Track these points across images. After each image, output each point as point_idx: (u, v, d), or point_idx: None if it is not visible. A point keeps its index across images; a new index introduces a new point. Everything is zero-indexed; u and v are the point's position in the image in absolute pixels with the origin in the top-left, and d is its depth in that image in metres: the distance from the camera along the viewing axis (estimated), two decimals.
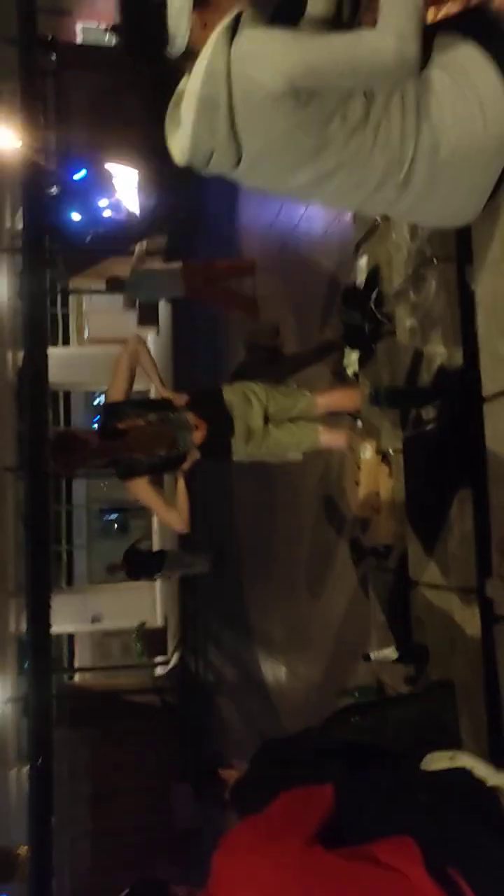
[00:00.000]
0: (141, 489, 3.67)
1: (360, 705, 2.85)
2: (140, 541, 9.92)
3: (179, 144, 1.81)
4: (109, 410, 3.70)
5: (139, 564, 9.14)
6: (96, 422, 3.84)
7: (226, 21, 1.73)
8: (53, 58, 12.60)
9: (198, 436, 3.71)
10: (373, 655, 3.09)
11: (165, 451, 3.64)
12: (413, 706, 2.66)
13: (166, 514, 3.72)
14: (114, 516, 22.22)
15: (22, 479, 11.39)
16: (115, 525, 21.97)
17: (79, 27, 19.73)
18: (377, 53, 1.68)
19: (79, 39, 19.41)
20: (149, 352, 3.78)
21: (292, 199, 1.99)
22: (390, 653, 3.02)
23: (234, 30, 1.73)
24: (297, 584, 5.89)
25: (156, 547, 18.05)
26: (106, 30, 13.50)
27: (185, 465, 3.73)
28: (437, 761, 1.78)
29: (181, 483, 3.76)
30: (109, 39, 19.91)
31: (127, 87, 11.95)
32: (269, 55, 1.69)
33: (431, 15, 1.92)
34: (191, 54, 1.77)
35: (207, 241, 10.98)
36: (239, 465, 4.14)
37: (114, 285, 8.19)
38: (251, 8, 1.76)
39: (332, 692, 4.56)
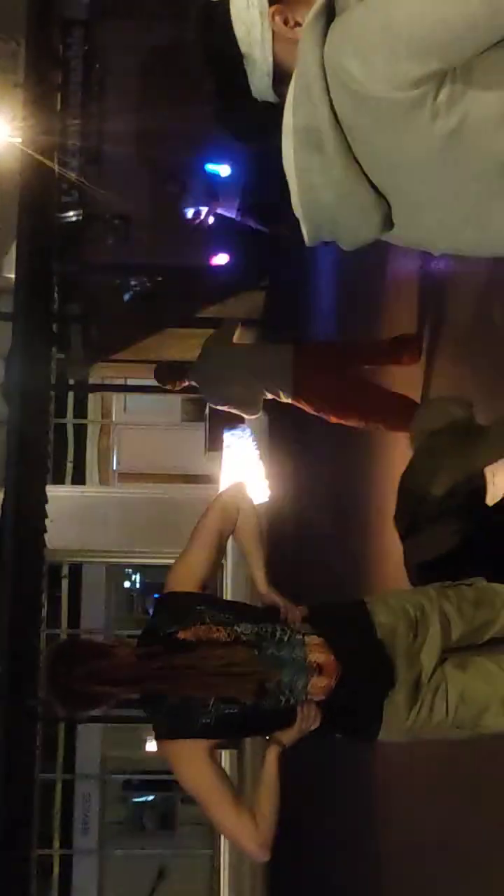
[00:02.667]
0: (189, 763, 3.59)
1: None
2: None
3: (296, 211, 2.04)
4: (170, 604, 3.75)
5: None
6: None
7: (318, 3, 1.92)
8: None
9: (321, 684, 3.64)
10: None
11: (252, 699, 3.57)
12: None
13: (232, 821, 3.57)
14: (149, 798, 21.86)
15: None
16: (150, 813, 21.63)
17: None
18: None
19: None
20: (256, 514, 3.91)
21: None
22: None
23: (329, 16, 1.91)
24: None
25: (224, 865, 17.57)
26: None
27: (289, 738, 3.64)
28: None
29: (273, 756, 3.66)
30: None
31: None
32: (373, 29, 1.82)
33: None
34: (288, 78, 1.97)
35: (326, 301, 11.31)
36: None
37: (165, 375, 8.29)
38: None
39: None
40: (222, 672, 3.54)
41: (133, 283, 13.78)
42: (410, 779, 7.62)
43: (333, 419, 7.92)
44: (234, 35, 2.00)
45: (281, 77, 2.01)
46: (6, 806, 10.72)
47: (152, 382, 17.97)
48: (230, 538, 3.88)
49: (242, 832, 3.56)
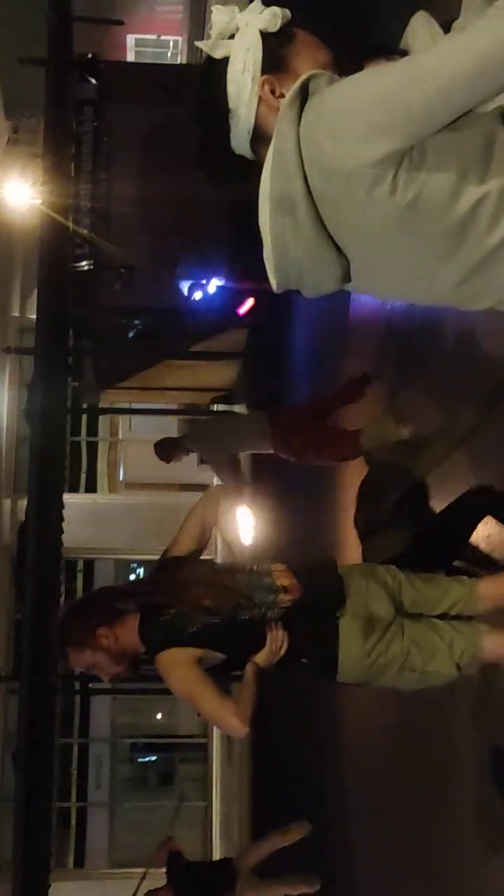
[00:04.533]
0: (179, 666, 3.70)
1: None
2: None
3: (267, 264, 2.02)
4: (162, 566, 4.01)
5: (191, 888, 8.82)
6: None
7: (294, 88, 1.92)
8: (94, 82, 13.53)
9: (286, 598, 3.79)
10: None
11: (229, 609, 3.72)
12: None
13: (216, 704, 3.66)
14: (152, 759, 21.80)
15: (15, 692, 11.43)
16: (153, 772, 21.58)
17: (131, 41, 21.48)
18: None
19: (130, 56, 21.09)
20: (234, 508, 4.07)
21: (446, 306, 2.12)
22: None
23: (304, 98, 1.91)
24: (437, 870, 5.76)
25: (216, 815, 17.54)
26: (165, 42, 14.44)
27: (262, 658, 3.74)
28: None
29: (249, 672, 3.75)
30: (172, 55, 21.54)
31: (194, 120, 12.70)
32: (344, 113, 1.84)
33: None
34: (267, 141, 1.96)
35: (297, 337, 11.41)
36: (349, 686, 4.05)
37: (165, 447, 8.19)
38: (331, 68, 1.98)
39: None
40: (209, 587, 3.75)
41: (136, 322, 13.78)
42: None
43: (304, 462, 8.07)
44: (226, 90, 2.00)
45: (259, 137, 2.02)
46: (30, 767, 10.73)
47: (154, 406, 18.01)
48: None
49: (225, 712, 3.63)
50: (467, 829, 5.32)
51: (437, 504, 4.86)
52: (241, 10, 2.03)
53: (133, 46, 21.43)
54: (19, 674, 11.31)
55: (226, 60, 2.00)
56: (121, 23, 19.30)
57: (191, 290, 12.60)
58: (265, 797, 11.93)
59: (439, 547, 4.38)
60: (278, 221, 1.94)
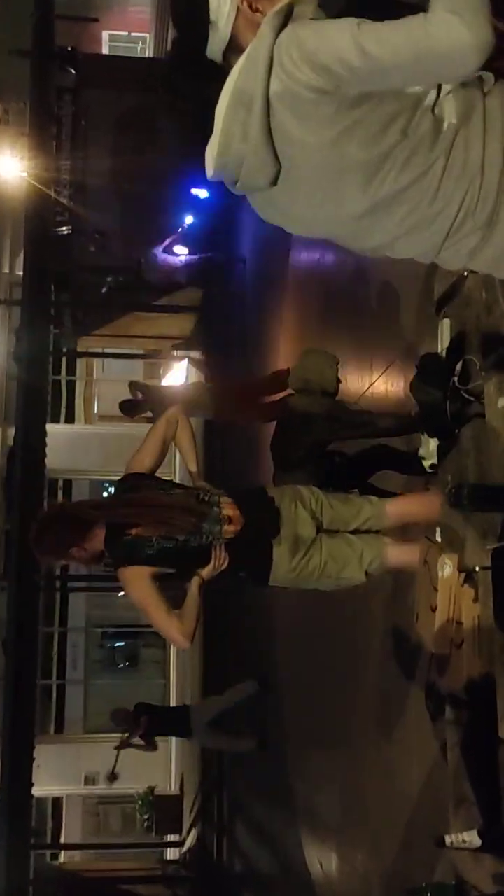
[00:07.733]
0: (137, 582, 3.62)
1: None
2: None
3: (210, 150, 1.90)
4: (127, 481, 3.79)
5: (156, 724, 9.04)
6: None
7: (278, 5, 1.82)
8: (73, 72, 13.31)
9: (231, 529, 3.71)
10: (449, 840, 3.02)
11: (183, 535, 3.62)
12: None
13: (165, 620, 3.63)
14: (120, 644, 22.14)
15: (5, 590, 11.47)
16: (121, 655, 21.89)
17: (105, 36, 21.03)
18: (449, 37, 1.70)
19: (105, 50, 20.67)
20: (191, 428, 3.90)
21: (346, 242, 2.00)
22: (473, 838, 2.95)
23: (286, 18, 1.81)
24: (353, 741, 5.83)
25: (173, 689, 17.94)
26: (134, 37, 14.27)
27: (206, 573, 3.68)
28: None
29: (195, 584, 3.69)
30: (141, 50, 21.12)
31: (161, 106, 12.51)
32: (316, 42, 1.76)
33: None
34: (237, 50, 1.86)
35: (244, 294, 11.40)
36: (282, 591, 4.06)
37: (127, 408, 8.27)
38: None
39: (398, 890, 4.47)
40: (166, 513, 3.61)
41: (108, 279, 13.75)
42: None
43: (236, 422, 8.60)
44: (207, 3, 1.86)
45: (232, 47, 1.88)
46: (18, 651, 10.83)
47: (123, 350, 17.98)
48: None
49: (171, 626, 3.60)
50: (374, 699, 5.42)
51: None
52: None
53: (107, 41, 21.00)
54: (8, 575, 11.39)
55: None
56: (96, 20, 18.87)
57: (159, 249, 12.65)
58: (214, 677, 12.04)
59: (352, 473, 4.38)
60: (233, 112, 1.82)
